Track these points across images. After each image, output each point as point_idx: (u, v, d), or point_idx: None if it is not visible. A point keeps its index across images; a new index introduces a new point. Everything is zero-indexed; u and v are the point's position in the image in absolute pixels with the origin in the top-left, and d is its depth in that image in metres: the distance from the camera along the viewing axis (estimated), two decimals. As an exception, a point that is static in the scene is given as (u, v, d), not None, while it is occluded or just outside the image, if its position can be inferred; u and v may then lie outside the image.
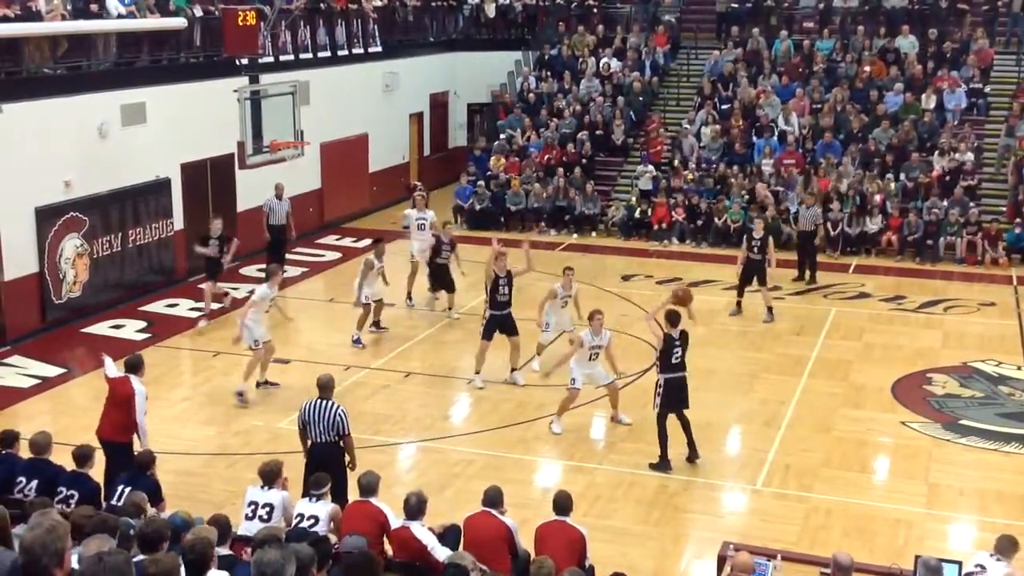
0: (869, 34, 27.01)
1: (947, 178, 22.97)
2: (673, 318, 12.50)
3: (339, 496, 9.97)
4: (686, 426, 12.50)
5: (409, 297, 18.67)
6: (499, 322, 14.87)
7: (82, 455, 9.32)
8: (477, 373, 14.92)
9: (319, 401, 10.50)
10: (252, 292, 14.93)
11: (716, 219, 23.17)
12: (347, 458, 10.57)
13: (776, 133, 24.89)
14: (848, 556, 7.82)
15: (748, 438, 13.56)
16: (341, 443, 10.51)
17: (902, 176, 23.32)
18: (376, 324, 17.17)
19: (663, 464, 12.38)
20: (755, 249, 17.91)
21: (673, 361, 12.35)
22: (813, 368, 15.85)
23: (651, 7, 29.88)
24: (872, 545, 10.60)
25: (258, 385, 14.71)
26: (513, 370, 15.10)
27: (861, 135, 24.34)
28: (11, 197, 16.28)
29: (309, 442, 10.57)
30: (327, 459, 10.30)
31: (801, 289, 20.05)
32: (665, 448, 12.40)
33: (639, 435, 13.38)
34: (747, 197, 23.34)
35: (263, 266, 20.43)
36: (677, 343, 12.36)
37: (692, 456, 12.56)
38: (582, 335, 13.41)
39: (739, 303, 18.28)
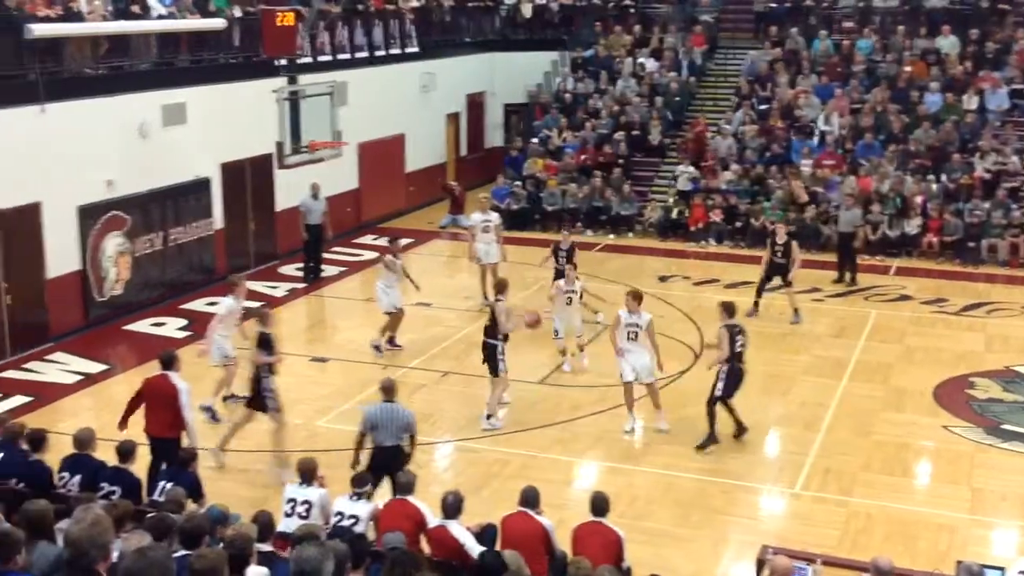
0: (910, 34, 26.74)
1: (989, 179, 22.71)
2: (730, 308, 13.22)
3: None
4: (731, 408, 13.05)
5: (486, 297, 18.39)
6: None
7: (124, 450, 9.40)
8: (490, 417, 13.66)
9: (385, 404, 10.52)
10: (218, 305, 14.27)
11: (753, 220, 23.03)
12: (407, 455, 10.59)
13: (815, 134, 24.72)
14: (888, 561, 7.74)
15: (787, 441, 13.47)
16: (406, 444, 10.52)
17: (943, 177, 23.09)
18: (391, 341, 16.37)
19: (711, 439, 12.88)
20: (778, 253, 17.83)
21: (736, 349, 12.87)
22: (853, 371, 15.70)
23: (688, 7, 29.75)
24: (914, 550, 10.49)
25: (225, 399, 14.17)
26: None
27: (902, 136, 24.12)
28: (54, 196, 16.47)
29: (372, 447, 10.54)
30: (391, 463, 10.26)
31: (841, 291, 19.90)
32: (712, 424, 12.91)
33: (676, 436, 13.33)
34: (787, 201, 23.18)
35: (300, 265, 20.67)
36: (738, 331, 12.95)
37: (741, 431, 13.11)
38: (619, 312, 13.50)
39: (757, 303, 18.05)
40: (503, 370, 13.57)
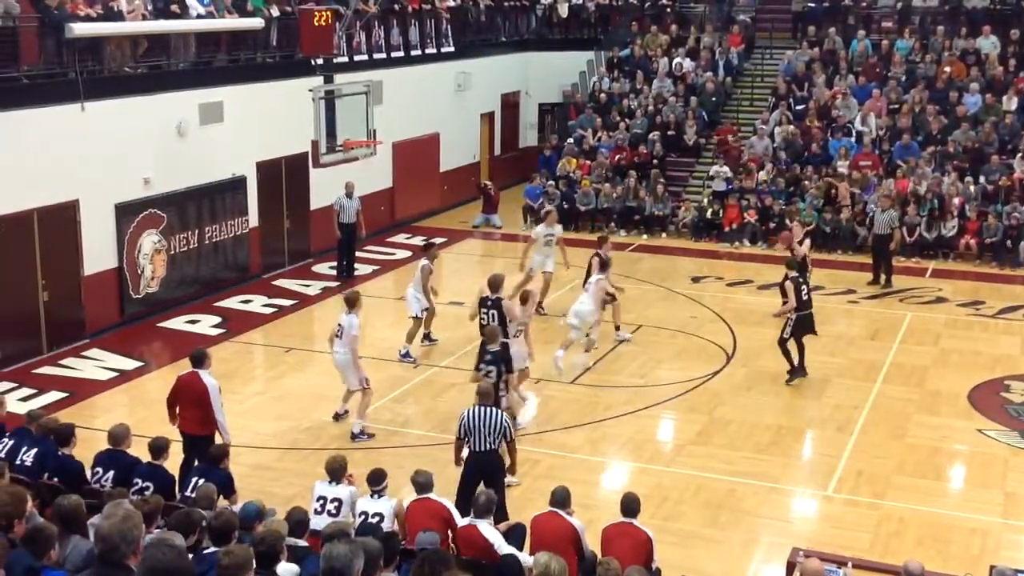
0: (949, 34, 26.49)
1: (1029, 181, 22.46)
2: (791, 264, 15.34)
3: (499, 509, 9.67)
4: (802, 348, 14.90)
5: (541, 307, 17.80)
6: None
7: (157, 447, 9.48)
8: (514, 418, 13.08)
9: (481, 408, 10.45)
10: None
11: (788, 221, 22.87)
12: (507, 461, 10.63)
13: (852, 134, 24.55)
14: (919, 565, 7.69)
15: (820, 443, 13.38)
16: (500, 449, 10.49)
17: (981, 179, 22.85)
18: (427, 336, 16.52)
19: (798, 371, 14.88)
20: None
21: (803, 298, 14.74)
22: (887, 373, 15.58)
23: (726, 7, 29.64)
24: (946, 554, 10.41)
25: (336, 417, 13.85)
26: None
27: (940, 137, 23.89)
28: (92, 193, 16.64)
29: (466, 452, 10.52)
30: (488, 467, 10.27)
31: (876, 293, 19.74)
32: (791, 361, 14.86)
33: (708, 438, 13.30)
34: (822, 201, 23.05)
35: (333, 264, 20.76)
36: (802, 281, 14.86)
37: (798, 373, 14.88)
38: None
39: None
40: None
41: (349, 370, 13.28)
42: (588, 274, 16.67)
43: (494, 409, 10.50)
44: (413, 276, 16.38)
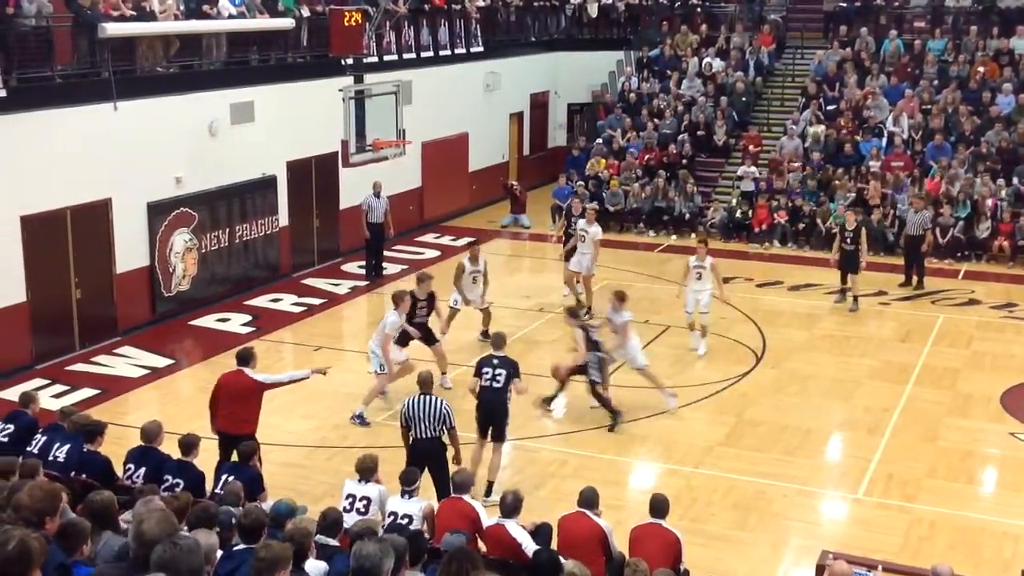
0: (982, 34, 26.25)
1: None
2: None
3: (443, 491, 10.11)
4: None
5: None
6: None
7: (187, 443, 9.52)
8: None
9: (422, 397, 10.64)
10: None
11: (820, 222, 22.75)
12: (451, 451, 10.69)
13: (884, 135, 24.38)
14: (949, 568, 7.63)
15: (850, 446, 13.30)
16: (445, 437, 10.62)
17: (1015, 180, 22.63)
18: (484, 333, 16.47)
19: None
20: (848, 240, 18.23)
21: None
22: (919, 376, 15.47)
23: (756, 6, 29.50)
24: (978, 558, 10.33)
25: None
26: (443, 374, 14.64)
27: (973, 138, 23.68)
28: (124, 192, 16.78)
29: (411, 438, 10.69)
30: (430, 455, 10.45)
31: (908, 294, 19.60)
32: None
33: (737, 439, 13.25)
34: (852, 197, 22.91)
35: (362, 263, 20.81)
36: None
37: None
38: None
39: (844, 290, 18.63)
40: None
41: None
42: None
43: (435, 398, 10.65)
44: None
